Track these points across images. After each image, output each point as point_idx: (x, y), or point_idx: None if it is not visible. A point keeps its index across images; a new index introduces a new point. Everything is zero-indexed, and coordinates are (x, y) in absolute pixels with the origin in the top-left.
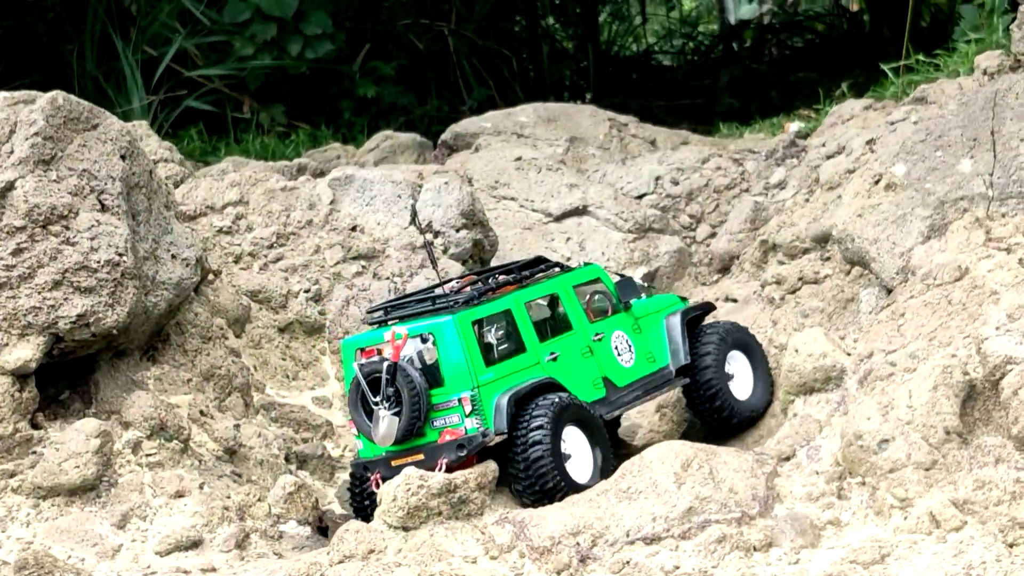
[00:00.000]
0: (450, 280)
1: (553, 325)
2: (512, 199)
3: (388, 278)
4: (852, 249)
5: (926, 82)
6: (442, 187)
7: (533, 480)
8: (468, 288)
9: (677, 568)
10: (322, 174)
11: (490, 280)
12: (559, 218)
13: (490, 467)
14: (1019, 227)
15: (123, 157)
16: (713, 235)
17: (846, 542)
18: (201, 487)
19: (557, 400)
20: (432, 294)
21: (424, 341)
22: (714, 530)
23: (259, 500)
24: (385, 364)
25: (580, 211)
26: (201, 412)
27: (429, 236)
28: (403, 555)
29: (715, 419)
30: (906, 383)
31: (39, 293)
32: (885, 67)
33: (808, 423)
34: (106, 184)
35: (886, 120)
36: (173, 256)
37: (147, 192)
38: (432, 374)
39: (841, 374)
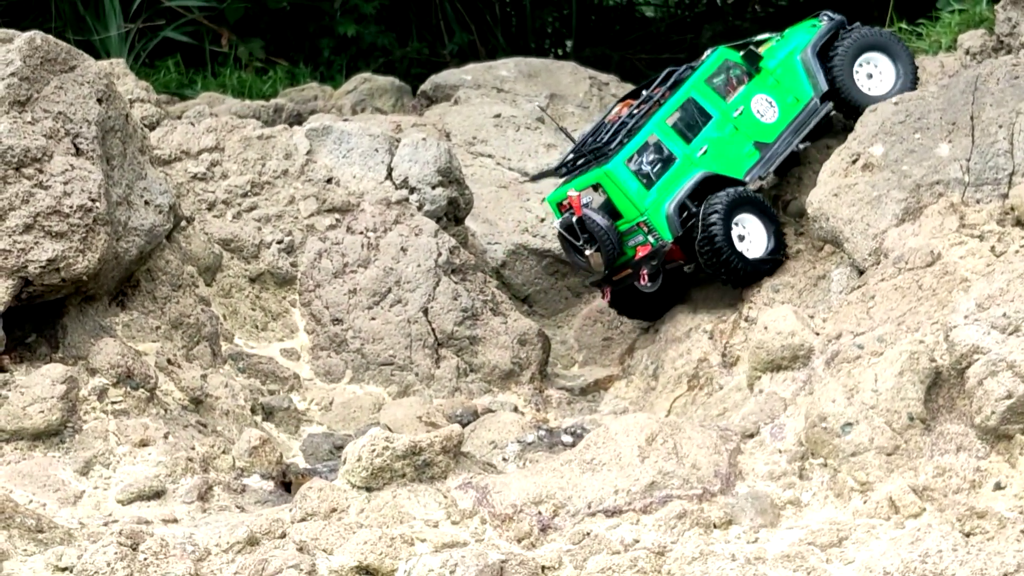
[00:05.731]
0: (617, 103)
1: (694, 123)
2: (489, 156)
3: (361, 232)
4: (826, 228)
5: None
6: (420, 143)
7: (716, 263)
8: (623, 118)
9: (636, 542)
10: (299, 115)
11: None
12: (535, 178)
13: (455, 431)
14: (993, 214)
15: (99, 100)
16: None
17: (805, 523)
18: (166, 437)
19: (726, 194)
20: (595, 142)
21: (595, 189)
22: (675, 505)
23: (223, 452)
24: (575, 219)
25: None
26: (168, 361)
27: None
28: (365, 515)
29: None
30: (872, 367)
31: (10, 236)
32: None
33: (773, 401)
34: (81, 128)
35: None
36: (146, 202)
37: (122, 136)
38: (612, 210)
39: (809, 353)
